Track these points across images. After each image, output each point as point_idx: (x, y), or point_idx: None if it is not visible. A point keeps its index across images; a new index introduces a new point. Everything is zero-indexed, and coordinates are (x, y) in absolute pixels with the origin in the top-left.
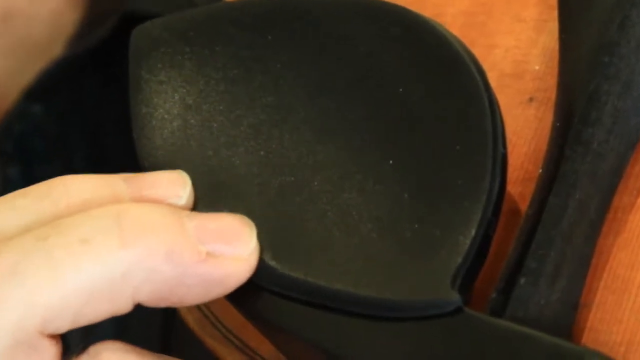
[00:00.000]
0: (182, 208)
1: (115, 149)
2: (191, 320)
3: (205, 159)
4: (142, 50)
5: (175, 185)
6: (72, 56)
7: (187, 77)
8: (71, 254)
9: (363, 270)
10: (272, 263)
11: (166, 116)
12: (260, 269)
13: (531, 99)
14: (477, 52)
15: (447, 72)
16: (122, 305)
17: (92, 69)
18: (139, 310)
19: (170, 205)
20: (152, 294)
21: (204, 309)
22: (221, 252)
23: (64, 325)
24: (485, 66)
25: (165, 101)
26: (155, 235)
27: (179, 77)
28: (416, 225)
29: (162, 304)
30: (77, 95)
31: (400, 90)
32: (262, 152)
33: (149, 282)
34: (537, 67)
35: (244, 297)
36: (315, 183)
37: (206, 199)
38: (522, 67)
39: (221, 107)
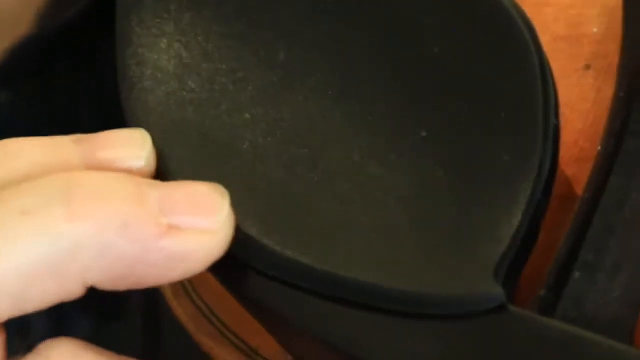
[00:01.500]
0: (143, 170)
1: None
2: (184, 316)
3: (204, 127)
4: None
5: (132, 144)
6: (41, 36)
7: (185, 30)
8: (9, 228)
9: (388, 258)
10: (281, 248)
11: (160, 75)
12: (268, 255)
13: (588, 66)
14: (526, 11)
15: (493, 31)
16: (71, 288)
17: (64, 50)
18: (117, 309)
19: (128, 170)
20: (107, 274)
21: (198, 301)
22: (187, 225)
23: (4, 311)
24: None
25: (159, 58)
26: (108, 206)
27: (176, 30)
28: (452, 208)
29: (120, 285)
30: (47, 81)
31: (436, 50)
32: (270, 120)
33: (102, 260)
34: (595, 30)
35: (248, 286)
36: (333, 156)
37: (204, 173)
38: (578, 29)
39: (224, 67)
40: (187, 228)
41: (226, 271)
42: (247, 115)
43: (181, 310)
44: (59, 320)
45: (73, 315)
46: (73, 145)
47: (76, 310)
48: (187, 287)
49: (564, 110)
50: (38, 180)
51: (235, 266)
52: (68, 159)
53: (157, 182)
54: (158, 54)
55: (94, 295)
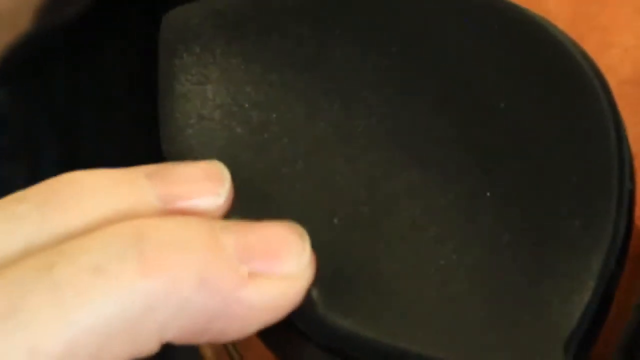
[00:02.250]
0: (220, 209)
1: (91, 147)
2: None
3: (254, 181)
4: (175, 42)
5: (211, 180)
6: (41, 33)
7: (232, 77)
8: (81, 287)
9: (453, 332)
10: (341, 319)
11: (205, 124)
12: (327, 326)
13: None
14: (588, 52)
15: (561, 83)
16: (145, 347)
17: (65, 49)
18: None
19: (204, 211)
20: (185, 330)
21: None
22: (267, 270)
23: None
24: None
25: (203, 107)
26: (185, 259)
27: (222, 76)
28: (520, 277)
29: (199, 340)
30: (46, 80)
31: (502, 105)
32: (324, 174)
33: (180, 317)
34: None
35: (302, 357)
36: (392, 216)
37: None
38: None
39: (274, 116)
40: (268, 275)
41: (279, 340)
42: (300, 169)
43: None
44: None
45: None
46: (146, 180)
47: None
48: (230, 351)
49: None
50: (106, 231)
51: (288, 335)
52: (142, 198)
53: (231, 224)
54: (203, 101)
55: None
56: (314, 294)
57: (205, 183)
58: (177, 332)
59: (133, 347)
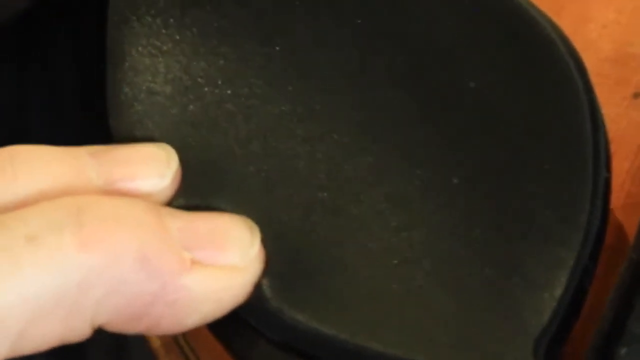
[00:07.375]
0: (165, 191)
1: None
2: None
3: (206, 163)
4: (125, 10)
5: (157, 161)
6: None
7: (186, 49)
8: (13, 256)
9: (417, 331)
10: (296, 314)
11: (156, 99)
12: (270, 317)
13: (637, 95)
14: (564, 26)
15: (535, 65)
16: (77, 327)
17: (8, 47)
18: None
19: (147, 193)
20: (119, 313)
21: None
22: (212, 260)
23: (1, 350)
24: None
25: (154, 80)
26: (124, 234)
27: (175, 48)
28: (488, 271)
29: (133, 327)
30: None
31: (472, 85)
32: (281, 156)
33: (115, 296)
34: None
35: (253, 352)
36: (353, 204)
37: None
38: (625, 49)
39: (230, 92)
40: (213, 264)
41: (228, 333)
42: (258, 149)
43: None
44: None
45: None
46: (89, 158)
47: None
48: (179, 341)
49: None
50: (46, 203)
51: (239, 330)
52: (83, 175)
53: (179, 211)
54: (153, 74)
55: None
56: (268, 285)
57: (150, 164)
58: (111, 313)
59: (64, 328)
